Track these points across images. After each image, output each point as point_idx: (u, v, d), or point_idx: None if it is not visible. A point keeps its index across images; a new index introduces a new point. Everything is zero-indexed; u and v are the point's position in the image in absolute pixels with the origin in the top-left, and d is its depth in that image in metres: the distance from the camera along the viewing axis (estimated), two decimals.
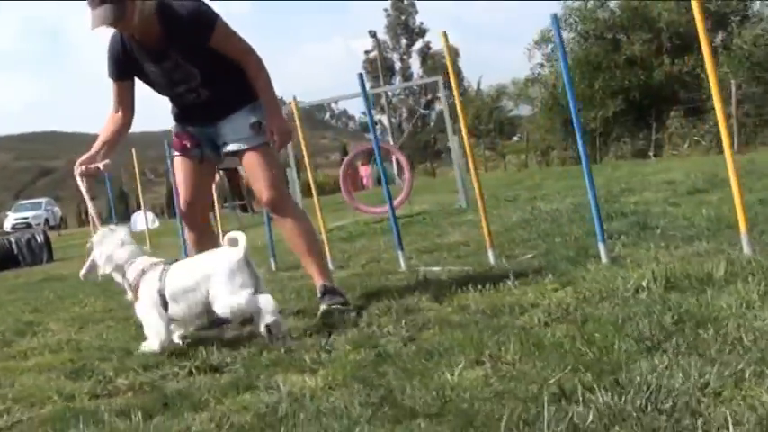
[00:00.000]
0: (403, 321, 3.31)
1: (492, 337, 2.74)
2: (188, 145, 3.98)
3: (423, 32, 59.53)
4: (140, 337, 3.80)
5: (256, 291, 3.39)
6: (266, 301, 3.34)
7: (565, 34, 25.22)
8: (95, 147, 3.93)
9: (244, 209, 21.35)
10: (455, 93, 5.08)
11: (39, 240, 15.72)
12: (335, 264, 6.04)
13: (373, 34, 50.62)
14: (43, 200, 40.76)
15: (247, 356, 3.11)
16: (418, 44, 59.64)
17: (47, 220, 34.94)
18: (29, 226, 31.92)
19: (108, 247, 3.69)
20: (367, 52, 55.74)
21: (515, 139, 32.41)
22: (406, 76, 55.40)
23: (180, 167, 4.07)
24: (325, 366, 2.77)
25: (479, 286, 3.89)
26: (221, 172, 20.27)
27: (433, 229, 7.93)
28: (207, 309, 3.48)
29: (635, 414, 1.85)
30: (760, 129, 17.67)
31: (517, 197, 10.25)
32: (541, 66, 25.27)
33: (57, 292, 7.91)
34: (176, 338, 3.56)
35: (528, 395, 2.09)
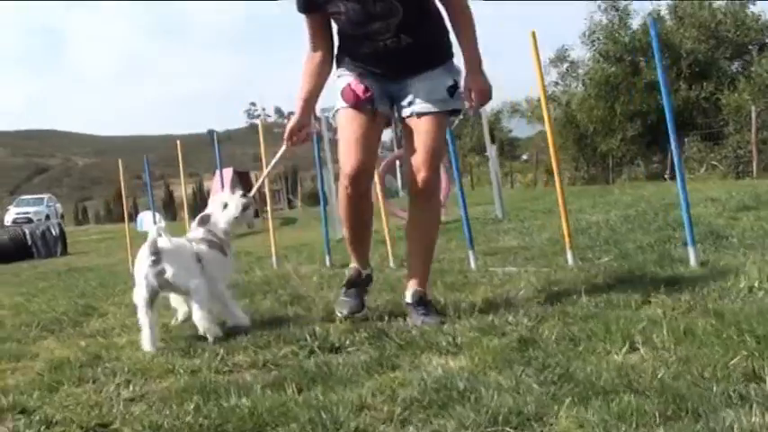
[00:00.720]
0: (520, 312, 3.28)
1: (636, 325, 2.72)
2: (361, 96, 3.47)
3: None
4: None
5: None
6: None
7: (584, 52, 25.40)
8: (300, 110, 3.63)
9: (255, 213, 21.30)
10: (542, 99, 5.05)
11: (54, 233, 15.64)
12: (396, 262, 6.04)
13: None
14: (45, 195, 40.59)
15: (369, 337, 3.07)
16: None
17: (48, 216, 34.71)
18: (29, 221, 31.73)
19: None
20: None
21: (524, 157, 32.48)
22: None
23: (351, 122, 3.53)
24: (465, 350, 2.74)
25: (574, 284, 3.88)
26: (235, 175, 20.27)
27: (476, 236, 7.89)
28: None
29: None
30: None
31: (551, 210, 10.23)
32: (556, 84, 25.42)
33: (94, 280, 7.88)
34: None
35: (717, 375, 2.08)
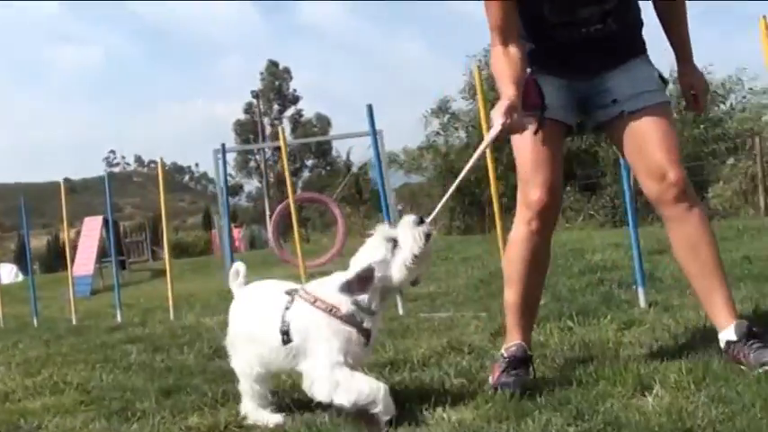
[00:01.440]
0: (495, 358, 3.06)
1: (647, 366, 2.55)
2: (531, 100, 2.70)
3: (296, 99, 59.88)
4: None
5: None
6: None
7: (464, 105, 25.60)
8: (512, 90, 2.62)
9: (122, 265, 20.30)
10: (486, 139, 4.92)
11: None
12: None
13: (256, 95, 50.14)
14: None
15: None
16: (290, 111, 59.86)
17: None
18: None
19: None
20: (248, 112, 55.18)
21: (399, 208, 32.66)
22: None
23: (531, 136, 2.78)
24: (467, 400, 2.47)
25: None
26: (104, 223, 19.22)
27: None
28: None
29: None
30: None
31: (447, 257, 10.14)
32: (437, 134, 25.64)
33: None
34: None
35: None
